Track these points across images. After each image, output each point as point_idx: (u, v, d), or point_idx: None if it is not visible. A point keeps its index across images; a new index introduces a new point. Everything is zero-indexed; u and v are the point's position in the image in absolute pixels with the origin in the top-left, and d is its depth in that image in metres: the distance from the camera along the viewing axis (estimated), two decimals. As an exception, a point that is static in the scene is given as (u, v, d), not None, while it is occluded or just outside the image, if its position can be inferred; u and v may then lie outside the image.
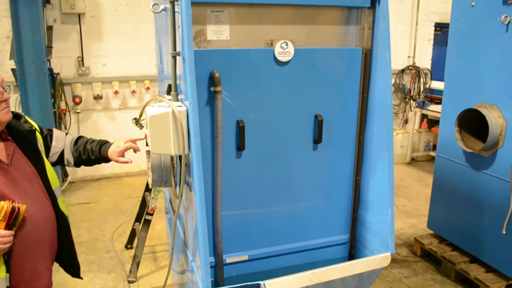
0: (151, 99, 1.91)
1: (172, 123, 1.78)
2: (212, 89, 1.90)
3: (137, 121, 2.05)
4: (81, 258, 4.01)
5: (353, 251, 2.50)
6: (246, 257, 2.27)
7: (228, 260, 2.23)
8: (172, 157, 2.16)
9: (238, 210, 2.20)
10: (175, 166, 2.24)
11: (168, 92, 2.07)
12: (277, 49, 2.01)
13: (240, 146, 2.06)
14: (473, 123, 3.51)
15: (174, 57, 1.90)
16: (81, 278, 2.36)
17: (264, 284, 1.88)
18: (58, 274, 3.73)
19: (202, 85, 1.91)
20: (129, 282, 3.63)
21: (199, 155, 1.74)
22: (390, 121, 2.09)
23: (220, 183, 2.03)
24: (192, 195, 1.86)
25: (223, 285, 2.22)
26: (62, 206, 2.15)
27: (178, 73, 1.94)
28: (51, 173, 2.09)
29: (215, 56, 1.93)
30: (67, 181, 5.73)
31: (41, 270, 2.03)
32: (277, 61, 2.03)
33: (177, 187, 2.17)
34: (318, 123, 2.16)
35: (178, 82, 1.96)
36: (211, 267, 2.21)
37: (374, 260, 2.10)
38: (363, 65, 2.19)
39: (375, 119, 2.19)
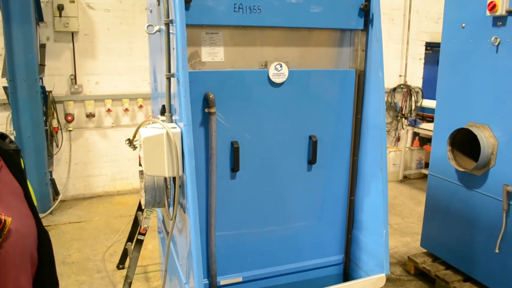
0: (145, 121, 1.91)
1: (166, 144, 1.77)
2: (206, 110, 1.90)
3: (130, 142, 2.04)
4: (71, 278, 3.97)
5: (347, 271, 2.48)
6: (240, 279, 2.24)
7: (222, 282, 2.21)
8: (165, 178, 2.15)
9: (232, 231, 2.18)
10: (169, 187, 2.23)
11: (162, 113, 2.07)
12: (271, 71, 2.02)
13: (234, 167, 2.06)
14: (465, 142, 3.54)
15: (169, 79, 1.90)
16: None
17: (258, 308, 1.85)
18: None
19: (197, 106, 1.91)
20: (120, 303, 3.56)
21: (193, 177, 1.73)
22: (384, 142, 2.10)
23: (214, 205, 2.02)
24: (186, 216, 1.85)
25: (216, 308, 2.20)
26: None
27: (172, 93, 1.94)
28: (32, 192, 2.09)
29: (210, 77, 1.94)
30: (58, 200, 5.65)
31: (23, 282, 2.00)
32: (271, 83, 2.04)
33: (171, 208, 2.16)
34: (313, 144, 2.16)
35: (172, 102, 1.97)
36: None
37: (369, 281, 2.09)
38: (357, 86, 2.21)
39: (369, 140, 2.20)
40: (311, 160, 2.21)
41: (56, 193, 5.79)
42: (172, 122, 1.94)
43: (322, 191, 2.32)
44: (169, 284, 2.66)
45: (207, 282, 2.15)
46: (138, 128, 1.90)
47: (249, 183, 2.13)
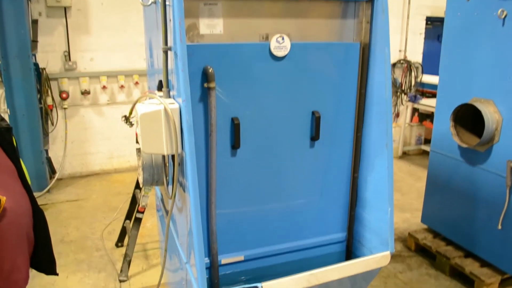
0: (141, 96, 1.83)
1: (164, 121, 1.70)
2: (205, 85, 1.82)
3: (127, 119, 1.97)
4: (70, 257, 3.95)
5: (350, 249, 2.45)
6: (241, 258, 2.21)
7: (224, 261, 2.17)
8: (163, 156, 2.09)
9: (233, 209, 2.13)
10: (167, 164, 2.17)
11: (159, 88, 1.99)
12: (273, 44, 1.93)
13: (235, 144, 1.99)
14: (468, 118, 3.48)
15: (166, 52, 1.82)
16: (57, 274, 2.29)
17: (261, 286, 1.82)
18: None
19: (195, 81, 1.83)
20: (120, 281, 3.55)
21: (193, 154, 1.67)
22: (390, 118, 2.04)
23: (214, 183, 1.96)
24: (186, 195, 1.79)
25: (217, 286, 2.16)
26: None
27: (169, 68, 1.85)
28: (25, 170, 2.04)
29: (209, 51, 1.85)
30: (55, 178, 5.60)
31: (20, 262, 1.97)
32: (273, 56, 1.96)
33: (169, 186, 2.10)
34: (316, 120, 2.09)
35: (169, 77, 1.88)
36: (206, 268, 2.15)
37: (374, 259, 2.05)
38: (361, 60, 2.13)
39: (373, 116, 2.14)
40: (314, 137, 2.14)
41: (52, 171, 5.73)
42: (170, 97, 1.86)
43: (324, 168, 2.26)
44: (169, 262, 2.64)
45: (208, 261, 2.11)
46: (135, 104, 1.83)
47: (250, 160, 2.07)
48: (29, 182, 2.18)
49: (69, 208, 5.05)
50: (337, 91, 2.14)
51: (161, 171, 2.20)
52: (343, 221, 2.39)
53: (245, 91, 1.96)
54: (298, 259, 2.36)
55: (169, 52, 1.82)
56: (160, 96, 1.78)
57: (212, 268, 2.11)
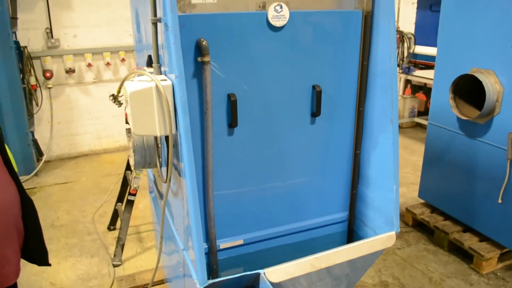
0: (130, 73, 1.68)
1: (156, 99, 1.56)
2: (199, 59, 1.68)
3: (115, 98, 1.82)
4: (61, 242, 3.84)
5: (352, 228, 2.37)
6: (241, 242, 2.11)
7: (222, 246, 2.07)
8: (156, 136, 1.96)
9: (231, 191, 2.03)
10: (160, 145, 2.04)
11: (149, 64, 1.85)
12: (271, 13, 1.79)
13: (232, 122, 1.86)
14: (467, 90, 3.38)
15: (155, 24, 1.66)
16: (49, 265, 2.19)
17: (264, 273, 1.73)
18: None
19: (188, 56, 1.69)
20: (114, 266, 3.46)
21: (188, 135, 1.54)
22: (395, 91, 1.92)
23: (211, 164, 1.84)
24: (182, 179, 1.67)
25: (216, 271, 2.08)
26: None
27: (159, 42, 1.71)
28: (11, 158, 1.90)
29: (202, 21, 1.70)
30: (43, 160, 5.44)
31: (9, 256, 1.86)
32: (271, 26, 1.81)
33: (163, 168, 1.98)
34: (317, 94, 1.97)
35: (160, 52, 1.74)
36: (204, 254, 2.05)
37: (379, 240, 1.97)
38: (363, 29, 1.99)
39: (377, 89, 2.02)
40: (315, 112, 2.02)
41: (39, 153, 5.56)
42: (161, 74, 1.72)
43: (325, 146, 2.15)
44: (164, 246, 2.54)
45: (206, 246, 2.01)
46: (123, 82, 1.68)
47: (248, 139, 1.95)
48: (16, 169, 2.05)
49: (58, 191, 4.91)
50: (338, 63, 2.01)
51: (154, 153, 2.08)
52: (345, 200, 2.30)
53: (241, 65, 1.82)
54: (298, 241, 2.27)
55: (158, 24, 1.67)
56: (150, 73, 1.64)
57: (211, 254, 2.02)
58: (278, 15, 1.80)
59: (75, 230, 4.03)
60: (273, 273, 1.73)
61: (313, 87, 1.98)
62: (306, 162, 2.15)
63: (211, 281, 1.66)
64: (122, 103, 1.81)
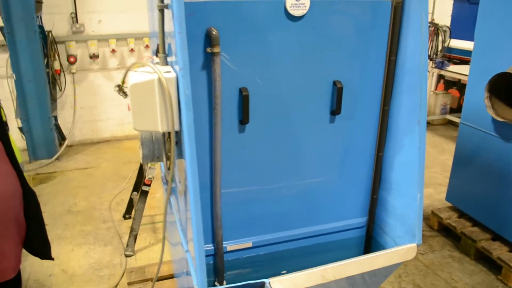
0: (134, 63, 1.57)
1: (158, 93, 1.44)
2: (208, 50, 1.55)
3: (120, 88, 1.72)
4: (76, 228, 3.82)
5: (370, 234, 2.22)
6: (250, 244, 2.00)
7: (229, 248, 1.96)
8: (163, 131, 1.84)
9: (242, 192, 1.90)
10: (168, 139, 1.94)
11: (157, 54, 1.73)
12: (289, 1, 1.64)
13: (243, 119, 1.73)
14: (505, 89, 3.14)
15: (162, 11, 1.54)
16: (52, 259, 2.12)
17: (269, 283, 1.60)
18: (52, 247, 3.54)
19: (197, 46, 1.56)
20: (126, 256, 3.41)
21: (191, 133, 1.42)
22: (424, 90, 1.74)
23: (219, 163, 1.72)
24: (185, 178, 1.56)
25: (222, 274, 1.97)
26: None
27: (166, 30, 1.58)
28: (15, 147, 1.82)
29: (212, 9, 1.56)
30: (64, 145, 5.45)
31: (8, 249, 1.79)
32: (289, 16, 1.66)
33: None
34: (337, 91, 1.81)
35: (167, 41, 1.62)
36: (210, 255, 1.95)
37: (398, 252, 1.82)
38: (392, 21, 1.81)
39: (404, 86, 1.84)
40: (335, 110, 1.87)
41: (62, 138, 5.58)
42: (167, 65, 1.60)
43: (345, 146, 2.00)
44: (173, 239, 2.45)
45: (213, 247, 1.91)
46: (127, 71, 1.57)
47: (261, 137, 1.82)
48: (20, 160, 1.98)
49: (78, 176, 4.91)
50: (363, 58, 1.85)
51: (162, 147, 1.97)
52: (364, 205, 2.14)
53: (255, 57, 1.68)
54: (312, 244, 2.14)
55: (165, 11, 1.55)
56: (156, 63, 1.52)
57: (217, 256, 1.91)
58: (298, 4, 1.65)
59: (91, 217, 4.01)
60: (279, 283, 1.60)
61: (334, 83, 1.82)
62: (324, 162, 2.00)
63: (212, 289, 1.55)
64: (127, 94, 1.70)
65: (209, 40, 1.55)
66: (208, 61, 1.58)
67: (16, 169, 1.86)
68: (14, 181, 1.81)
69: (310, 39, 1.73)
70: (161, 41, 1.59)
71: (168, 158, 1.92)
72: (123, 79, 1.65)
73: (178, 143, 1.58)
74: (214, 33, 1.53)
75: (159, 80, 1.43)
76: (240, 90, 1.69)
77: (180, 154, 1.60)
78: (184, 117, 1.42)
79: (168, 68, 1.54)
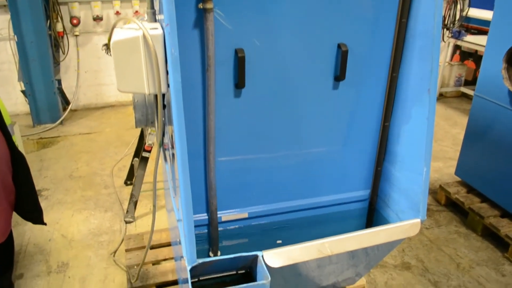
0: (119, 19, 1.45)
1: (143, 51, 1.33)
2: (200, 6, 1.42)
3: (108, 47, 1.60)
4: (77, 194, 3.78)
5: (373, 206, 2.12)
6: (245, 215, 1.92)
7: (224, 218, 1.89)
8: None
9: (237, 160, 1.81)
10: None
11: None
12: (291, -47, 1.49)
13: (239, 82, 1.62)
14: (524, 59, 2.96)
15: (150, -40, 1.41)
16: (45, 224, 2.07)
17: (262, 256, 1.53)
18: (52, 212, 3.54)
19: (188, 1, 1.43)
20: (126, 222, 3.38)
21: (179, 96, 1.31)
22: (436, 55, 1.60)
23: (213, 129, 1.62)
24: (174, 147, 1.46)
25: (216, 245, 1.90)
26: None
27: (156, -18, 1.46)
28: (3, 108, 1.73)
29: (206, -41, 1.42)
30: (68, 109, 5.39)
31: None
32: (291, -30, 1.52)
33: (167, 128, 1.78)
34: (342, 55, 1.68)
35: (157, -4, 1.49)
36: (204, 225, 1.88)
37: (401, 228, 1.72)
38: (405, -22, 1.66)
39: (415, 52, 1.70)
40: (339, 76, 1.74)
41: (66, 102, 5.51)
42: (155, 21, 1.48)
43: (349, 115, 1.88)
44: (169, 206, 2.39)
45: (207, 217, 1.83)
46: (112, 29, 1.45)
47: (258, 103, 1.70)
48: (9, 122, 1.90)
49: (81, 141, 4.86)
50: (370, 19, 1.70)
51: (155, 111, 1.87)
52: (367, 178, 2.04)
53: (253, 15, 1.55)
54: (311, 215, 2.06)
55: (154, -39, 1.42)
56: (142, 20, 1.40)
57: (211, 226, 1.84)
58: (300, -44, 1.50)
59: (93, 183, 3.97)
60: (272, 257, 1.53)
61: (339, 46, 1.69)
62: (326, 131, 1.89)
63: (201, 260, 1.48)
64: (115, 54, 1.59)
65: (201, -6, 1.42)
66: (201, 18, 1.46)
67: (4, 132, 1.78)
68: (1, 145, 1.74)
69: (314, -4, 1.59)
70: (150, -5, 1.46)
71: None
72: (109, 37, 1.53)
73: (166, 107, 1.47)
74: (206, -14, 1.40)
75: (144, 37, 1.31)
76: (236, 51, 1.56)
77: (168, 120, 1.50)
78: (171, 78, 1.31)
79: (156, 25, 1.42)
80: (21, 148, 4.16)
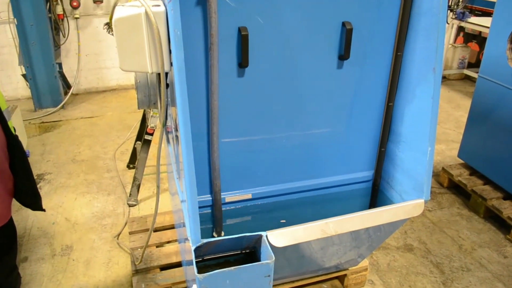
0: (121, -5, 1.43)
1: (146, 29, 1.31)
2: (203, -18, 1.40)
3: (110, 26, 1.58)
4: (80, 178, 3.79)
5: (377, 187, 2.12)
6: (249, 196, 1.92)
7: (228, 199, 1.89)
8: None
9: (241, 141, 1.80)
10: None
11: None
12: None
13: (242, 61, 1.60)
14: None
15: None
16: (44, 210, 2.07)
17: (266, 236, 1.53)
18: (55, 195, 3.55)
19: (191, -23, 1.41)
20: (129, 205, 3.39)
21: (182, 74, 1.30)
22: (442, 34, 1.58)
23: (216, 109, 1.61)
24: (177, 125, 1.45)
25: (221, 225, 1.91)
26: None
27: (157, -41, 1.43)
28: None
29: None
30: (70, 93, 5.37)
31: None
32: None
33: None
34: (347, 33, 1.66)
35: (159, -28, 1.46)
36: (208, 206, 1.88)
37: (404, 208, 1.72)
38: (411, -46, 1.63)
39: (420, 31, 1.68)
40: (343, 55, 1.72)
41: (67, 86, 5.49)
42: (158, -1, 1.45)
43: (353, 94, 1.86)
44: (173, 188, 2.39)
45: (211, 198, 1.83)
46: (114, 6, 1.43)
47: (262, 82, 1.69)
48: (4, 107, 1.89)
49: (83, 125, 4.86)
50: (376, -3, 1.67)
51: (158, 91, 1.86)
52: (371, 158, 2.03)
53: (256, -7, 1.52)
54: (314, 195, 2.05)
55: None
56: (145, -4, 1.38)
57: (215, 207, 1.84)
58: None
59: (95, 166, 3.98)
60: (276, 237, 1.53)
61: (343, 24, 1.66)
62: (330, 111, 1.88)
63: (205, 240, 1.48)
64: (117, 33, 1.57)
65: (204, -29, 1.39)
66: (204, -5, 1.43)
67: (0, 118, 1.76)
68: None
69: (318, -27, 1.56)
70: (152, -28, 1.43)
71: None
72: (111, 16, 1.51)
73: (170, 86, 1.46)
74: (209, -38, 1.37)
75: (146, 14, 1.29)
76: (239, 30, 1.54)
77: (172, 100, 1.49)
78: (174, 56, 1.29)
79: (158, 2, 1.39)
80: (23, 132, 4.16)
